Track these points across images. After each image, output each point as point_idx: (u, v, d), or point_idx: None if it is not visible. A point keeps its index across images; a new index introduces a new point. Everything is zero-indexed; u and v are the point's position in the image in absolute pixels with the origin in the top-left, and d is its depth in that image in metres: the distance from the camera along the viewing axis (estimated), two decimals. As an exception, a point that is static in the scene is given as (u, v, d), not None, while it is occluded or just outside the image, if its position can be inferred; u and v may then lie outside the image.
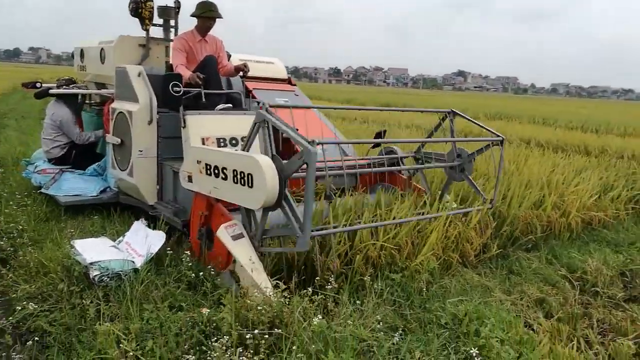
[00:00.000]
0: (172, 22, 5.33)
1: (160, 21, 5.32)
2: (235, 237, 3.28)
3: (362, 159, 4.82)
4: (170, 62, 4.90)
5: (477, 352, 2.40)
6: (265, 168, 2.93)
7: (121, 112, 4.68)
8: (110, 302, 3.00)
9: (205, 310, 2.70)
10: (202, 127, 4.15)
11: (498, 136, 4.26)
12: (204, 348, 2.47)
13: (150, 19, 5.13)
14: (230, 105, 4.42)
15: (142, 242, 3.72)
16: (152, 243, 3.62)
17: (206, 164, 3.43)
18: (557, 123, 18.33)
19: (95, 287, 3.12)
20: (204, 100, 4.29)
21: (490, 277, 3.91)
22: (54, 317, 2.86)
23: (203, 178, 3.48)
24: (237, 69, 4.91)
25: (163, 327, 2.62)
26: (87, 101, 6.10)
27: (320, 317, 2.54)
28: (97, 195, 5.10)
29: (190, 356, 2.38)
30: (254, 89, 5.48)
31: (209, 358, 2.35)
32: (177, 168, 4.31)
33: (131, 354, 2.40)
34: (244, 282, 3.15)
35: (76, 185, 5.14)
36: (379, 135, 5.18)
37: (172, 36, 5.39)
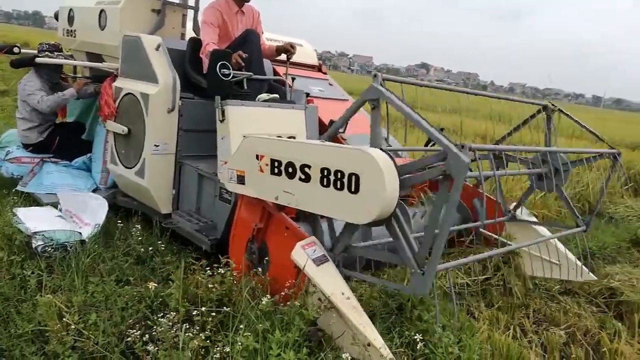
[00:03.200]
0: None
1: (178, -18, 4.32)
2: (319, 261, 2.44)
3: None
4: (194, 36, 3.91)
5: (420, 337, 2.38)
6: (384, 166, 2.11)
7: (131, 93, 3.68)
8: (53, 273, 2.92)
9: (152, 285, 2.60)
10: (245, 122, 3.23)
11: (612, 148, 3.51)
12: (150, 323, 2.39)
13: (168, -23, 4.12)
14: (277, 96, 3.49)
15: (84, 208, 3.56)
16: (96, 211, 3.47)
17: (273, 160, 2.58)
18: (512, 121, 18.32)
19: (38, 258, 3.00)
20: (245, 87, 3.34)
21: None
22: None
23: (266, 179, 2.64)
24: (280, 50, 3.95)
25: (108, 301, 2.59)
26: (70, 74, 5.00)
27: (269, 297, 2.45)
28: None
29: (135, 331, 2.31)
30: (283, 74, 4.54)
31: (154, 333, 2.28)
32: (206, 171, 3.40)
33: (73, 327, 2.34)
34: (329, 324, 2.32)
35: (62, 181, 4.10)
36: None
37: (190, 2, 4.40)
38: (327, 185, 2.31)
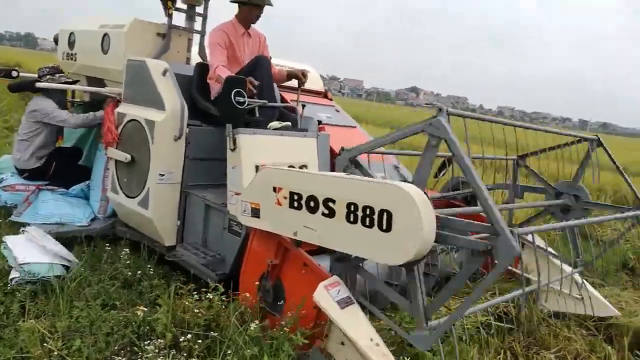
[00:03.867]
0: (199, 10, 4.25)
1: (184, 7, 4.21)
2: (344, 303, 2.26)
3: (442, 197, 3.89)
4: (202, 61, 3.79)
5: None
6: (420, 203, 1.96)
7: (135, 120, 3.52)
8: (37, 298, 2.86)
9: (140, 311, 2.54)
10: (257, 151, 3.09)
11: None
12: (136, 349, 2.35)
13: (174, 1, 4.01)
14: (289, 123, 3.36)
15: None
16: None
17: (293, 193, 2.42)
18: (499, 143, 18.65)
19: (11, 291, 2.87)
20: (257, 115, 3.21)
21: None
22: None
23: (284, 212, 2.48)
24: (291, 76, 3.82)
25: (93, 326, 2.55)
26: (72, 100, 4.85)
27: (257, 322, 2.43)
28: (87, 225, 3.87)
29: (121, 357, 2.26)
30: (292, 101, 4.43)
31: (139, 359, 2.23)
32: (214, 201, 3.23)
33: (56, 353, 2.29)
34: None
35: (58, 210, 3.89)
36: (443, 165, 4.30)
37: (196, 26, 4.30)
38: (355, 222, 2.15)
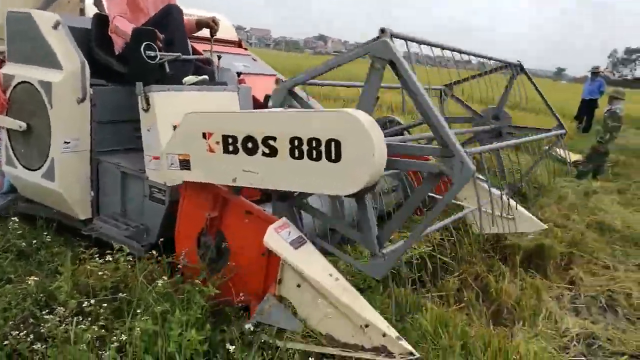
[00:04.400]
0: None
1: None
2: (297, 243, 2.20)
3: None
4: (100, 13, 3.37)
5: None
6: (370, 128, 1.90)
7: (26, 82, 3.09)
8: None
9: (32, 280, 2.43)
10: (173, 109, 2.84)
11: (561, 127, 3.58)
12: (36, 322, 2.26)
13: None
14: (207, 77, 3.11)
15: None
16: None
17: (226, 137, 2.25)
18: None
19: None
20: (168, 70, 2.93)
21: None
22: None
23: (219, 159, 2.31)
24: (201, 25, 3.52)
25: None
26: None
27: (166, 278, 2.39)
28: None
29: (20, 331, 2.16)
30: (204, 52, 4.12)
31: (42, 331, 2.16)
32: (131, 168, 2.99)
33: None
34: (308, 306, 2.14)
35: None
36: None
37: (87, -28, 3.80)
38: (300, 157, 2.04)
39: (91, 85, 3.06)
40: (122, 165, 3.05)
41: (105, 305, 2.27)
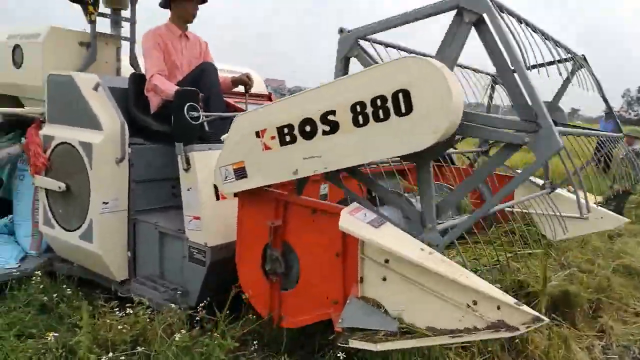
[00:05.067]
0: (125, 14, 3.85)
1: (108, 11, 3.79)
2: (377, 223, 2.00)
3: None
4: (135, 71, 3.42)
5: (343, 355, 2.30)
6: (440, 66, 1.75)
7: (67, 143, 3.10)
8: None
9: (51, 335, 2.44)
10: (213, 168, 2.80)
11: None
12: None
13: (96, 5, 3.58)
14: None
15: None
16: None
17: (281, 128, 2.09)
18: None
19: None
20: (207, 129, 2.91)
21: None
22: None
23: (275, 155, 2.15)
24: (236, 82, 3.54)
25: (9, 359, 2.43)
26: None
27: (184, 331, 2.37)
28: (18, 266, 3.39)
29: None
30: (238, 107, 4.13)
31: None
32: (169, 228, 2.93)
33: None
34: (402, 297, 1.90)
35: (-20, 251, 3.39)
36: None
37: (123, 33, 3.89)
38: (365, 123, 1.88)
39: (129, 144, 3.06)
40: (160, 225, 3.00)
41: (122, 359, 2.24)
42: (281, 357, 2.41)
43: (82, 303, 2.87)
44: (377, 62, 2.20)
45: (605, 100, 3.45)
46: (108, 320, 2.49)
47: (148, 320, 2.49)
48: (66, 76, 3.14)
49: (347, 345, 1.93)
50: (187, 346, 2.29)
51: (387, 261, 1.93)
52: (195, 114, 2.60)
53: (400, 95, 1.79)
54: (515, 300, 1.71)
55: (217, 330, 2.39)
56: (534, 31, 2.46)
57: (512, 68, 1.89)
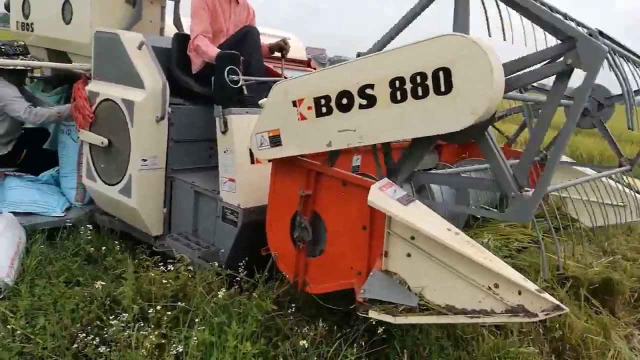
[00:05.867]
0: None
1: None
2: (406, 200, 2.01)
3: None
4: (180, 33, 3.45)
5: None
6: (487, 50, 1.70)
7: (110, 99, 3.19)
8: None
9: (99, 283, 2.54)
10: (250, 132, 2.83)
11: None
12: (102, 324, 2.34)
13: (142, -38, 3.61)
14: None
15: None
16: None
17: (318, 99, 2.09)
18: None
19: None
20: (245, 92, 2.93)
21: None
22: None
23: (312, 125, 2.15)
24: (274, 48, 3.54)
25: (57, 304, 2.51)
26: (31, 75, 4.41)
27: (225, 290, 2.43)
28: (63, 216, 3.57)
29: (87, 333, 2.26)
30: (277, 72, 4.13)
31: (106, 335, 2.24)
32: (204, 187, 3.01)
33: (19, 332, 2.28)
34: (425, 276, 1.91)
35: (29, 197, 3.57)
36: None
37: (169, -8, 3.91)
38: (403, 99, 1.86)
39: (170, 104, 3.12)
40: (196, 184, 3.08)
41: (168, 312, 2.31)
42: (315, 321, 2.46)
43: (126, 256, 3.01)
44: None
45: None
46: (152, 274, 2.57)
47: (189, 277, 2.56)
48: (112, 34, 3.20)
49: (366, 316, 1.97)
50: (225, 304, 2.35)
51: (412, 238, 1.93)
52: (235, 77, 2.63)
53: (441, 73, 1.76)
54: (537, 287, 1.70)
55: (255, 291, 2.46)
56: None
57: None
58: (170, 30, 3.89)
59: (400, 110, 1.89)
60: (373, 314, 1.95)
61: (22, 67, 3.71)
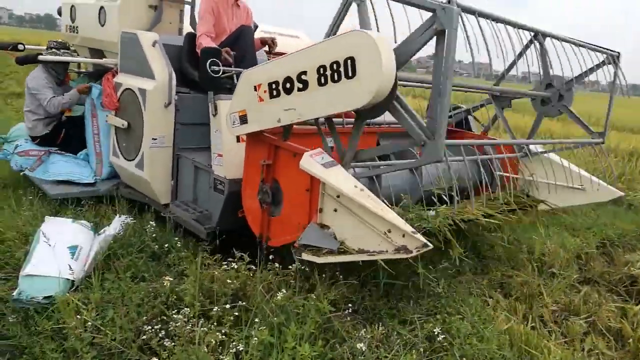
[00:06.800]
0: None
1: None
2: (328, 165, 2.48)
3: None
4: (191, 31, 4.04)
5: (440, 330, 2.48)
6: (379, 42, 2.13)
7: (129, 89, 3.83)
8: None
9: (167, 280, 2.62)
10: (237, 116, 3.36)
11: (611, 51, 3.52)
12: (166, 319, 2.41)
13: (163, -27, 4.23)
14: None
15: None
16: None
17: (271, 84, 2.60)
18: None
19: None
20: (235, 81, 3.46)
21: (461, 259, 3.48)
22: (11, 286, 2.77)
23: (267, 106, 2.66)
24: (263, 42, 4.10)
25: (124, 298, 2.60)
26: (78, 70, 5.18)
27: (284, 291, 2.51)
28: (93, 183, 4.26)
29: (152, 327, 2.33)
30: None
31: (170, 329, 2.30)
32: (202, 163, 3.55)
33: (90, 323, 2.36)
34: (345, 226, 2.39)
35: (67, 169, 4.29)
36: None
37: (187, -3, 4.52)
38: (325, 83, 2.33)
39: (177, 93, 3.70)
40: (196, 160, 3.64)
41: (229, 310, 2.41)
42: (373, 324, 2.63)
43: (188, 254, 3.12)
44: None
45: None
46: (214, 272, 2.68)
47: (250, 275, 2.70)
48: (132, 34, 3.83)
49: (299, 257, 2.46)
50: (284, 305, 2.43)
51: (338, 196, 2.40)
52: (216, 68, 3.16)
53: (349, 61, 2.22)
54: (413, 229, 2.14)
55: (313, 292, 2.57)
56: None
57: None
58: (188, 30, 4.50)
59: (324, 91, 2.36)
60: (304, 256, 2.44)
61: (62, 61, 4.45)
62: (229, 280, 2.61)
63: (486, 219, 3.28)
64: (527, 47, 3.45)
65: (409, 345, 2.51)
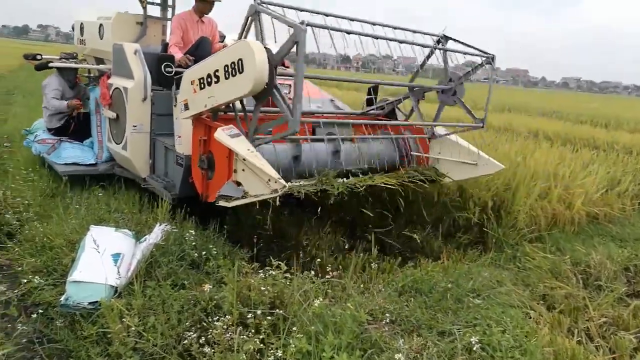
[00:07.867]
0: (170, 1, 5.53)
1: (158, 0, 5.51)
2: (233, 136, 3.38)
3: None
4: (167, 41, 5.09)
5: (477, 340, 2.43)
6: (255, 48, 3.02)
7: (117, 88, 4.89)
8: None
9: (207, 287, 2.72)
10: (192, 106, 4.36)
11: (487, 54, 4.38)
12: (205, 326, 2.48)
13: (147, -4, 5.30)
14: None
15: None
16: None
17: (200, 79, 3.51)
18: (567, 117, 18.07)
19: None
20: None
21: (501, 270, 3.93)
22: (59, 291, 2.95)
23: (198, 95, 3.57)
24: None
25: (165, 304, 2.66)
26: (88, 74, 6.33)
27: (321, 299, 2.59)
28: (95, 164, 5.36)
29: (192, 333, 2.40)
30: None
31: (209, 336, 2.37)
32: (169, 144, 4.57)
33: (133, 329, 2.43)
34: (247, 181, 3.23)
35: (74, 154, 5.41)
36: (370, 91, 5.22)
37: (169, 15, 5.59)
38: (228, 77, 3.23)
39: (153, 90, 4.74)
40: (165, 142, 4.67)
41: (267, 318, 2.46)
42: (410, 335, 2.63)
43: (226, 262, 3.18)
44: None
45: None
46: (251, 280, 2.75)
47: (287, 284, 2.77)
48: (120, 44, 4.91)
49: (217, 205, 3.40)
50: (322, 313, 2.45)
51: (244, 160, 3.36)
52: (170, 69, 4.18)
53: (240, 62, 3.17)
54: (279, 176, 3.09)
55: (349, 301, 2.67)
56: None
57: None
58: (170, 41, 5.55)
59: (228, 83, 3.32)
60: (219, 203, 3.42)
61: (68, 67, 5.61)
62: (263, 288, 2.66)
63: (391, 186, 4.18)
64: (432, 52, 4.41)
65: (448, 356, 2.45)
